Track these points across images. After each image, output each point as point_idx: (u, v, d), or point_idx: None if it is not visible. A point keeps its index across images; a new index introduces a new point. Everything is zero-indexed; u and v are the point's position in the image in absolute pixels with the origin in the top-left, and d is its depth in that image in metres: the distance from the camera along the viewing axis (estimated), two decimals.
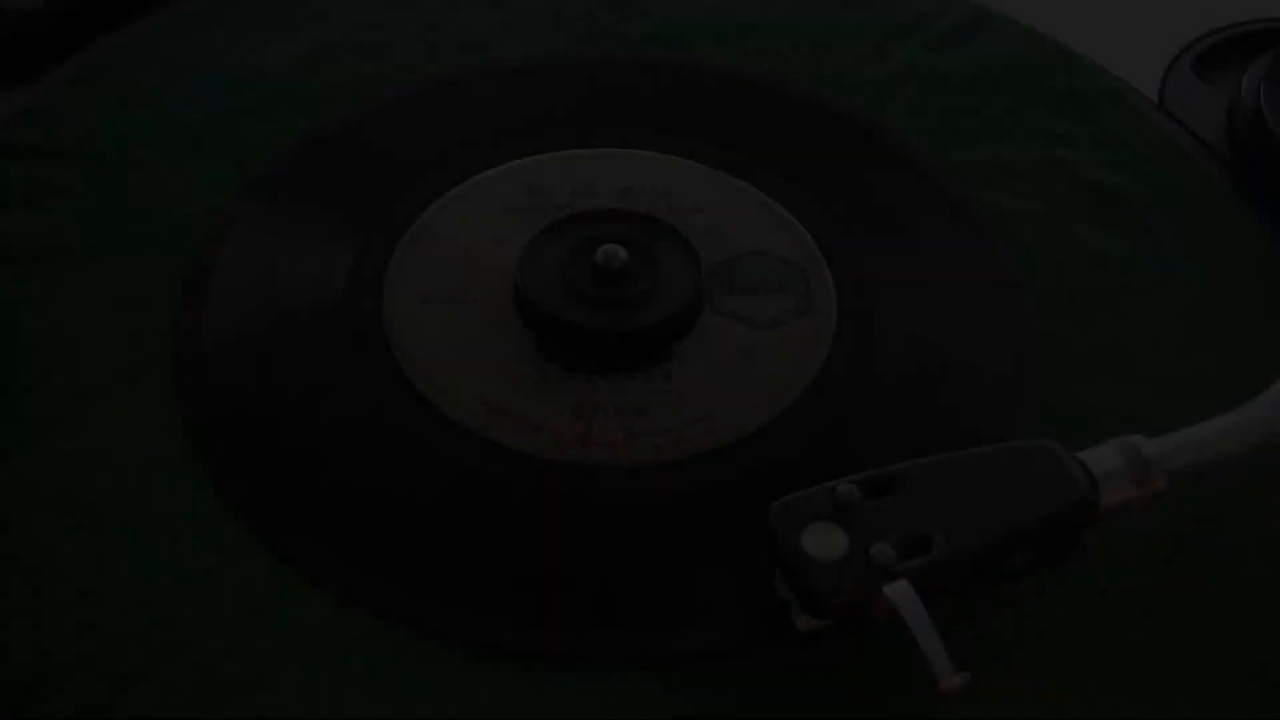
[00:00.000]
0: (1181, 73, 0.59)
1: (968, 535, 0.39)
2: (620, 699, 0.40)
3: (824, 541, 0.39)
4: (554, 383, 0.46)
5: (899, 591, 0.38)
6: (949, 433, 0.46)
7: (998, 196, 0.53)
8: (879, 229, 0.52)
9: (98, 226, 0.51)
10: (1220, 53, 0.60)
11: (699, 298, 0.48)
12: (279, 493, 0.44)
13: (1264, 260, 0.51)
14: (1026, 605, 0.42)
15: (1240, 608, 0.43)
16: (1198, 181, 0.54)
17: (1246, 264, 0.51)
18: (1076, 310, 0.50)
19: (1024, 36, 0.60)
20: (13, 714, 0.40)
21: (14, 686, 0.40)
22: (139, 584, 0.42)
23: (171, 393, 0.47)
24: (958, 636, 0.38)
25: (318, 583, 0.42)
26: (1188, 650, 0.42)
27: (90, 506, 0.44)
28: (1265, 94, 0.56)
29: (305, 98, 0.56)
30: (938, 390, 0.47)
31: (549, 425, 0.45)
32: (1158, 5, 0.62)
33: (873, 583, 0.38)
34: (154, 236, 0.51)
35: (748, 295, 0.49)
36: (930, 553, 0.39)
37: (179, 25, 0.59)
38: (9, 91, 0.56)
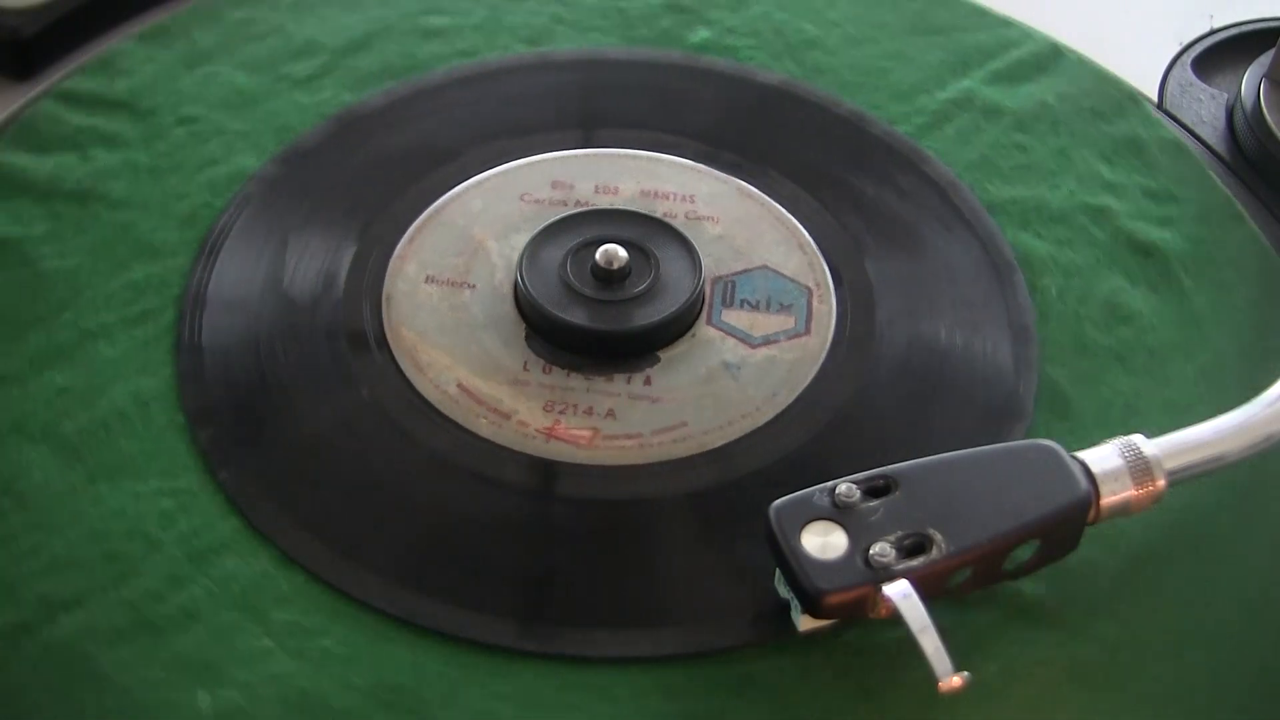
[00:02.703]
0: (1181, 73, 0.59)
1: (967, 535, 0.39)
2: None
3: (823, 541, 0.39)
4: (534, 375, 0.46)
5: (899, 591, 0.38)
6: None
7: (1030, 238, 0.52)
8: (896, 259, 0.51)
9: (134, 176, 0.53)
10: (1220, 53, 0.60)
11: (692, 309, 0.48)
12: (237, 443, 0.45)
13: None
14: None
15: (1240, 607, 0.43)
16: (1244, 243, 0.52)
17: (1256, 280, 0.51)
18: (1086, 364, 0.48)
19: (1094, 78, 0.58)
20: None
21: None
22: (96, 518, 0.43)
23: (168, 340, 0.48)
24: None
25: (262, 538, 0.43)
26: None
27: (70, 441, 0.45)
28: (1265, 94, 0.56)
29: (356, 74, 0.57)
30: (929, 418, 0.47)
31: (518, 415, 0.45)
32: (1158, 5, 0.62)
33: (872, 582, 0.38)
34: (185, 192, 0.52)
35: (748, 310, 0.48)
36: (930, 552, 0.39)
37: None
38: (9, 91, 0.57)
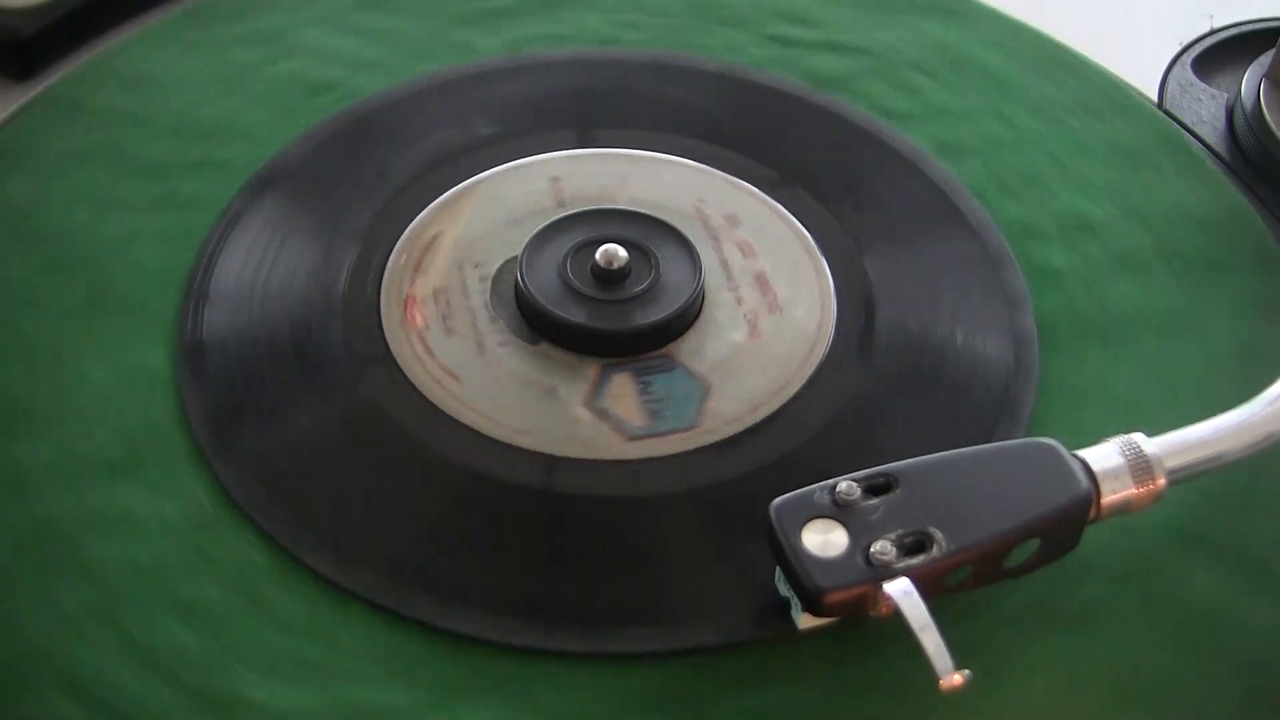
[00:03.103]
0: (1181, 73, 0.59)
1: (968, 533, 0.39)
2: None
3: (824, 539, 0.39)
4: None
5: (899, 589, 0.38)
6: None
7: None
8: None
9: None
10: (1220, 53, 0.60)
11: (695, 303, 0.48)
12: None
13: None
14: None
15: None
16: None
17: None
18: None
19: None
20: None
21: None
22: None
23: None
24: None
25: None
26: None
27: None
28: (1265, 94, 0.56)
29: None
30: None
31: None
32: (1158, 5, 0.63)
33: (873, 580, 0.38)
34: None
35: (638, 391, 0.47)
36: (930, 551, 0.39)
37: None
38: (9, 91, 0.57)
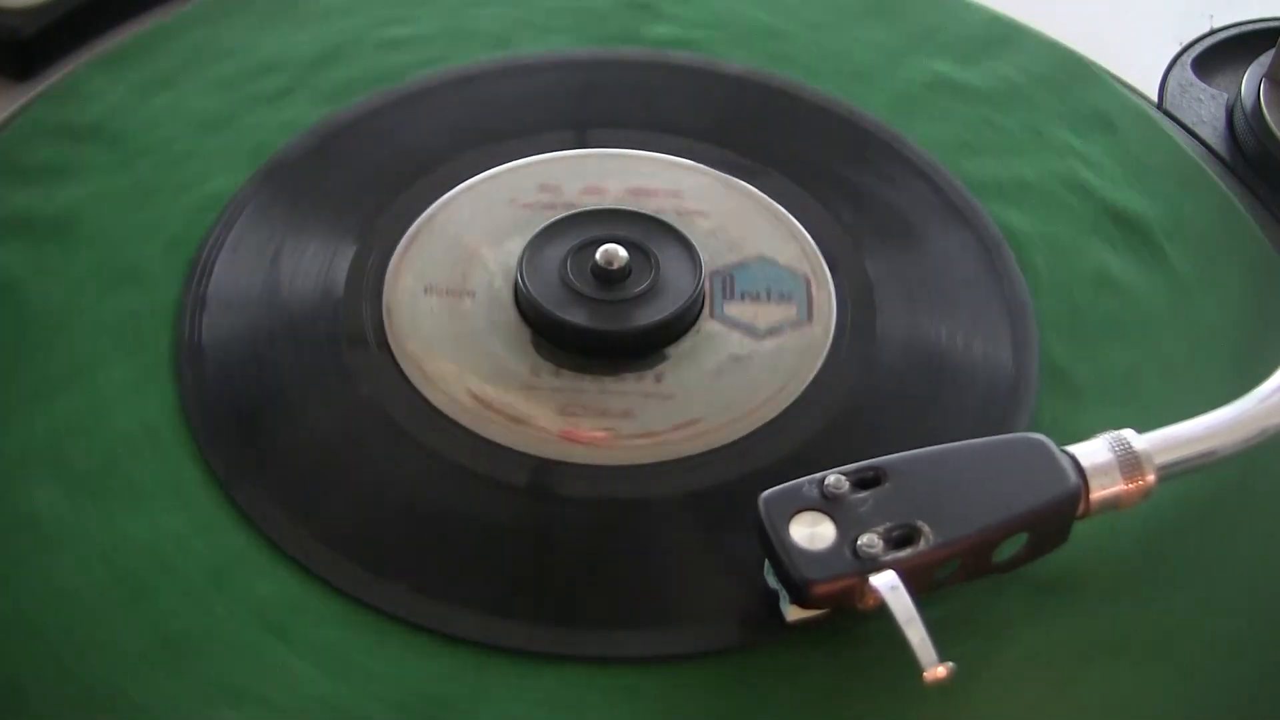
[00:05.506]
0: (1181, 73, 0.59)
1: (955, 527, 0.39)
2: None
3: (811, 531, 0.39)
4: (545, 379, 0.46)
5: (885, 582, 0.38)
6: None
7: (1011, 213, 0.52)
8: (887, 239, 0.51)
9: (111, 204, 0.52)
10: (1220, 53, 0.60)
11: (695, 304, 0.48)
12: (255, 465, 0.45)
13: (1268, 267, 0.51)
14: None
15: (1258, 580, 0.43)
16: (1219, 208, 0.53)
17: (1252, 276, 0.51)
18: (1080, 333, 0.49)
19: (1049, 51, 0.59)
20: None
21: None
22: (111, 549, 0.43)
23: (168, 368, 0.47)
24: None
25: (285, 557, 0.43)
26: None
27: (79, 475, 0.45)
28: (1265, 94, 0.56)
29: (323, 89, 0.56)
30: (932, 407, 0.47)
31: (533, 420, 0.45)
32: (1158, 5, 0.62)
33: (859, 573, 0.38)
34: (164, 217, 0.52)
35: (749, 302, 0.48)
36: (918, 544, 0.39)
37: (203, 13, 0.59)
38: (9, 91, 0.57)
